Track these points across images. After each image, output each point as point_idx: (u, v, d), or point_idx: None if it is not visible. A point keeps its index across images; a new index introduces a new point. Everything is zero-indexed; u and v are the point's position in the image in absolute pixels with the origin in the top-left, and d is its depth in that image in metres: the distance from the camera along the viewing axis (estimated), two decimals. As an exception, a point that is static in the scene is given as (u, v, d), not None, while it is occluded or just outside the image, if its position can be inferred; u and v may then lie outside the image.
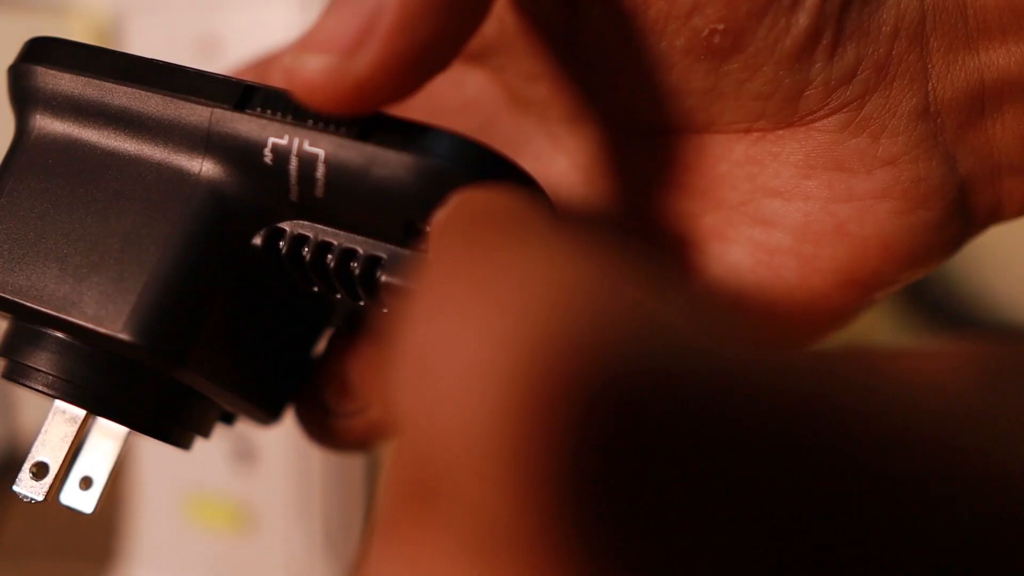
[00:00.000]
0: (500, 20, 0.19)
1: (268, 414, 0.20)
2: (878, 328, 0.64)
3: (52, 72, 0.18)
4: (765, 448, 0.08)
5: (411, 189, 0.16)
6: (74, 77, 0.18)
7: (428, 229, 0.16)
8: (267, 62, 0.23)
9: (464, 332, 0.09)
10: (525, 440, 0.09)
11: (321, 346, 0.21)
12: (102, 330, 0.17)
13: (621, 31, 0.18)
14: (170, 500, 0.50)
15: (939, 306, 0.66)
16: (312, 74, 0.15)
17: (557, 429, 0.09)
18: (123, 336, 0.16)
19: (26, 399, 0.56)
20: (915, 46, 0.17)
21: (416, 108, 0.22)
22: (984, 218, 0.19)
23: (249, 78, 0.23)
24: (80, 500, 0.18)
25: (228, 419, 0.22)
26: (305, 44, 0.15)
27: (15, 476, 0.18)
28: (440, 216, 0.15)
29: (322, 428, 0.21)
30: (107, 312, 0.17)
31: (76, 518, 0.19)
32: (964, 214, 0.19)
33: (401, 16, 0.15)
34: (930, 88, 0.18)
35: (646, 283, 0.10)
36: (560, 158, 0.21)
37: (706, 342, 0.09)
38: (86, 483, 0.18)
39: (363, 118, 0.16)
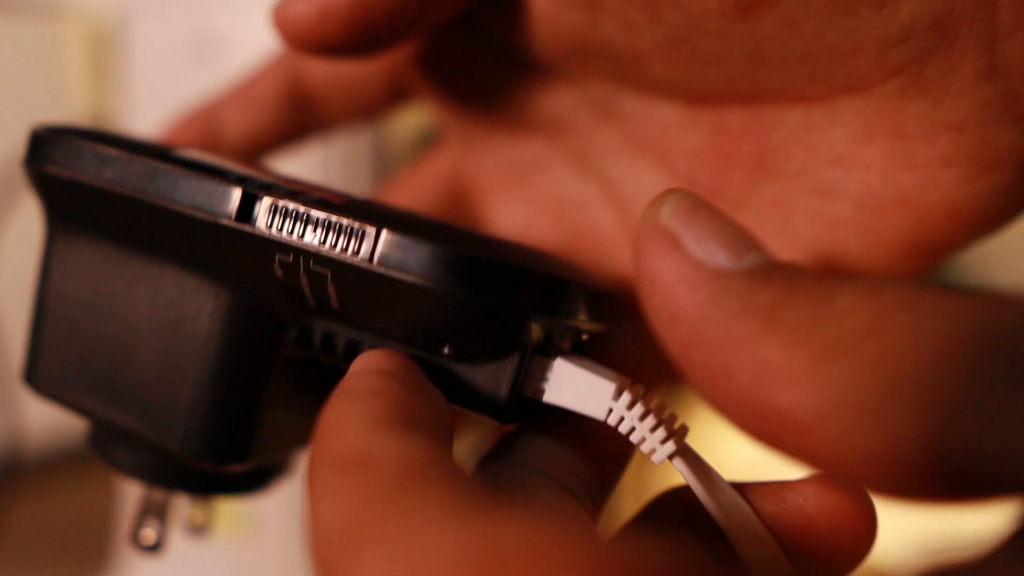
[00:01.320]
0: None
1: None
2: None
3: (66, 177, 0.18)
4: None
5: (430, 319, 0.15)
6: (85, 184, 0.17)
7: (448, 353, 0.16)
8: (213, 109, 0.23)
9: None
10: None
11: None
12: (160, 443, 0.18)
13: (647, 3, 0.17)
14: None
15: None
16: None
17: None
18: (179, 450, 0.18)
19: (27, 399, 0.56)
20: (981, 3, 0.16)
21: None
22: None
23: (197, 128, 0.23)
24: (196, 537, 0.22)
25: None
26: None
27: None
28: None
29: None
30: (163, 426, 0.18)
31: (76, 519, 0.21)
32: None
33: None
34: (998, 48, 0.16)
35: None
36: (608, 133, 0.21)
37: None
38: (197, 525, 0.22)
39: (368, 221, 0.15)
